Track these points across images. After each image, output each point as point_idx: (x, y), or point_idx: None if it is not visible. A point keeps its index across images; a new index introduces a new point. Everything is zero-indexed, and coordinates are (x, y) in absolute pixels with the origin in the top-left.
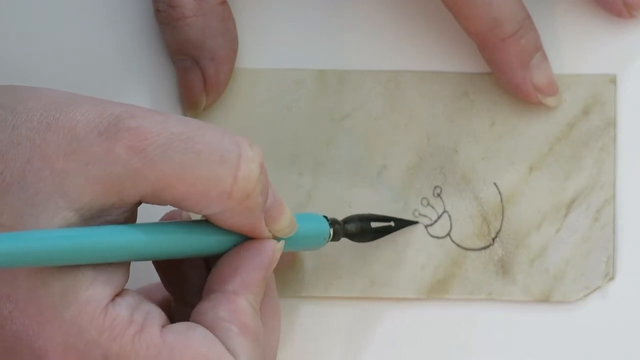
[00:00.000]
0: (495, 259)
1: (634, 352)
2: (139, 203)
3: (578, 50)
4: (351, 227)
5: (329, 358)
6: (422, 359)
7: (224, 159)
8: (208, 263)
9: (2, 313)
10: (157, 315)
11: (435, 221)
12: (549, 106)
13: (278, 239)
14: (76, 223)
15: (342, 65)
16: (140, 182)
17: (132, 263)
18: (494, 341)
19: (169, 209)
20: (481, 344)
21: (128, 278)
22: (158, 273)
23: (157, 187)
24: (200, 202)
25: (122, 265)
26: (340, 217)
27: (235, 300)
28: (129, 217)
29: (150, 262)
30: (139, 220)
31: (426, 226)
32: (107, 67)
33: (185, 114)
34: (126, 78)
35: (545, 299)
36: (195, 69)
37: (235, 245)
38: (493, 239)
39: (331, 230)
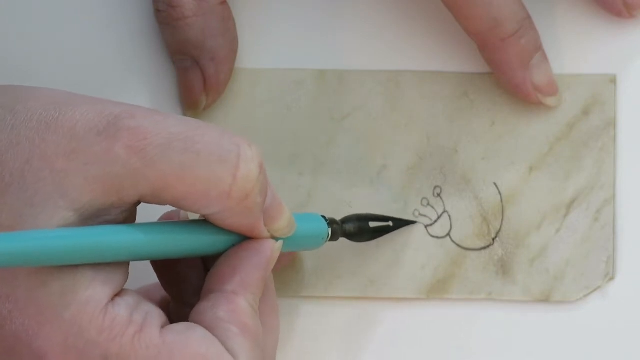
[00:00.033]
0: (495, 259)
1: (634, 352)
2: (138, 203)
3: (578, 50)
4: (349, 227)
5: (329, 358)
6: (422, 359)
7: (223, 159)
8: (206, 263)
9: (1, 313)
10: (156, 315)
11: (435, 221)
12: (549, 106)
13: (276, 238)
14: (75, 223)
15: (342, 65)
16: (139, 182)
17: (132, 263)
18: (494, 341)
19: (168, 208)
20: (481, 344)
21: (127, 278)
22: (156, 273)
23: (156, 187)
24: (200, 202)
25: (121, 265)
26: (340, 217)
27: (235, 300)
28: (128, 217)
29: (149, 262)
30: (138, 220)
31: (426, 226)
32: (107, 67)
33: (185, 114)
34: (126, 78)
35: (545, 299)
36: (195, 69)
37: (233, 245)
38: (493, 239)
39: (329, 230)
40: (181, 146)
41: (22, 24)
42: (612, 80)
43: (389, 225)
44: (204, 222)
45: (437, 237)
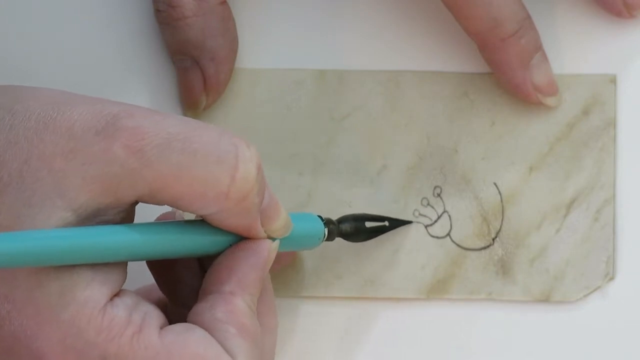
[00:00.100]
0: (495, 259)
1: (634, 352)
2: (136, 203)
3: (578, 50)
4: (346, 226)
5: (329, 358)
6: (422, 359)
7: (222, 159)
8: (202, 263)
9: (0, 313)
10: (155, 315)
11: (435, 221)
12: (549, 106)
13: (273, 238)
14: (73, 223)
15: (342, 65)
16: (137, 182)
17: (130, 263)
18: (494, 341)
19: (165, 208)
20: (481, 344)
21: (125, 278)
22: (152, 274)
23: (154, 187)
24: (198, 203)
25: (120, 265)
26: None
27: (232, 300)
28: (126, 217)
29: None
30: (136, 220)
31: (426, 226)
32: (107, 67)
33: (185, 114)
34: (126, 78)
35: (545, 299)
36: (195, 69)
37: (230, 245)
38: (493, 239)
39: (326, 230)
40: (179, 146)
41: (22, 24)
42: (612, 80)
43: (385, 225)
44: (201, 223)
45: (437, 237)
